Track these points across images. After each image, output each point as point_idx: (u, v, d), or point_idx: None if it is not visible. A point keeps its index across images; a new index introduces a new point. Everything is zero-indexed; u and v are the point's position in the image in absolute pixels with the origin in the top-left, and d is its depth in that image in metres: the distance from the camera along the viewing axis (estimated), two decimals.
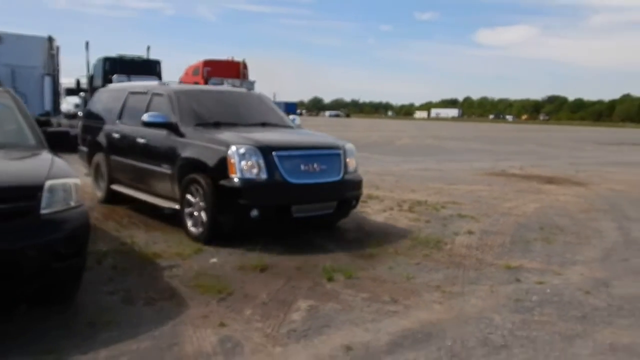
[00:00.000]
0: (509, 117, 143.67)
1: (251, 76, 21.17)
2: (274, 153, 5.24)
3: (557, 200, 8.66)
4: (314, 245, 5.45)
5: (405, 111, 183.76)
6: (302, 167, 5.36)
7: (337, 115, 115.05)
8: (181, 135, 5.75)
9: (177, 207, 5.72)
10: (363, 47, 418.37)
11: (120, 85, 8.13)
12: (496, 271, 4.74)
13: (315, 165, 5.43)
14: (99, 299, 3.82)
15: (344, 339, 3.28)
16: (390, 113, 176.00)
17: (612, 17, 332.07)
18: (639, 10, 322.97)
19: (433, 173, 12.35)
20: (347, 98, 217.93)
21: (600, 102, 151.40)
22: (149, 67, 17.79)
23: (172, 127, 5.84)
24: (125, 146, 6.71)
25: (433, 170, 13.07)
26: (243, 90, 7.47)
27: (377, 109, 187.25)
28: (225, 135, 5.53)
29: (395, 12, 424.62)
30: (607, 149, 24.69)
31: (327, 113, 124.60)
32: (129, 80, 16.98)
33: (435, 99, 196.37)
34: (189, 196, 5.50)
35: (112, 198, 7.10)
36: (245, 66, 20.59)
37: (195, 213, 5.43)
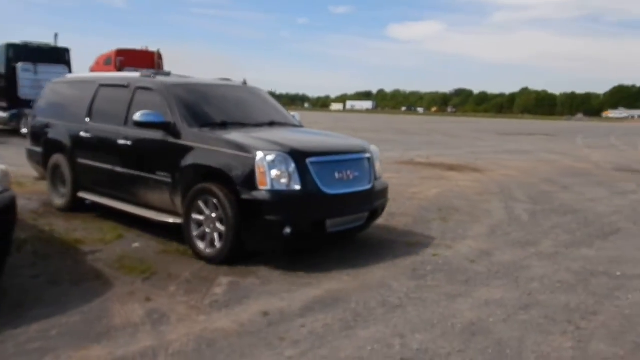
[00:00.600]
0: (420, 110, 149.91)
1: (166, 67, 20.84)
2: (307, 160, 4.58)
3: (457, 186, 9.50)
4: None
5: (322, 103, 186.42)
6: (337, 175, 4.75)
7: None
8: (183, 137, 4.93)
9: (177, 221, 4.93)
10: (279, 39, 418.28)
11: (85, 77, 6.97)
12: (398, 247, 5.31)
13: (349, 172, 4.85)
14: (23, 282, 3.96)
15: (261, 306, 3.67)
16: (307, 105, 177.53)
17: (512, 14, 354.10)
18: (537, 9, 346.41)
19: None
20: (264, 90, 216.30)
21: (501, 95, 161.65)
22: (57, 56, 17.07)
23: (169, 128, 5.01)
24: (99, 149, 5.83)
25: None
26: (239, 83, 6.47)
27: (294, 101, 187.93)
28: (243, 138, 4.80)
29: (310, 5, 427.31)
30: (505, 138, 26.69)
31: None
32: (35, 69, 16.38)
33: (351, 91, 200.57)
34: (198, 209, 4.70)
35: (76, 206, 6.20)
36: (160, 56, 20.18)
37: (207, 229, 4.66)
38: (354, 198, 4.87)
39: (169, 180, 4.98)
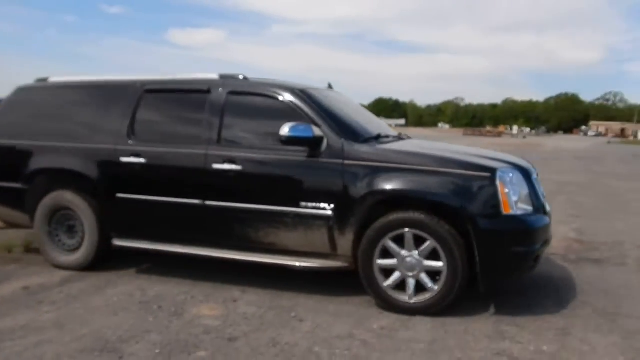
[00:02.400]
0: None
1: None
2: (532, 177, 4.05)
3: None
4: None
5: None
6: (543, 194, 4.18)
7: None
8: (348, 155, 3.86)
9: (340, 264, 3.95)
10: (44, 38, 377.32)
11: (105, 80, 4.84)
12: None
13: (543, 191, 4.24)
14: None
15: (22, 284, 4.28)
16: None
17: (289, 28, 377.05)
18: (310, 24, 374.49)
19: None
20: None
21: None
22: None
23: (318, 145, 3.92)
24: (167, 179, 4.37)
25: None
26: (330, 89, 5.10)
27: None
28: (450, 153, 4.08)
29: (79, 2, 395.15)
30: None
31: None
32: None
33: None
34: (386, 250, 3.78)
35: (101, 259, 4.69)
36: None
37: (408, 273, 3.75)
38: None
39: (327, 213, 3.87)
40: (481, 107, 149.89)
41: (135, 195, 4.41)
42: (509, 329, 3.50)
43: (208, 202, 4.16)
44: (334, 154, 3.89)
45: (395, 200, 3.78)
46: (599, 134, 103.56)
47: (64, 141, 4.66)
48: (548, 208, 4.05)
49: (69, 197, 4.63)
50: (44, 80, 5.07)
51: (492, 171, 3.66)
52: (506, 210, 3.58)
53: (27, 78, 6.31)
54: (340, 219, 3.83)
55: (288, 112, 4.06)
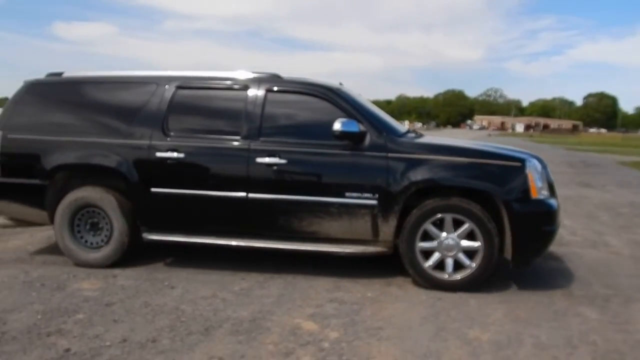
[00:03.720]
0: None
1: None
2: (546, 167, 4.53)
3: None
4: None
5: None
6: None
7: None
8: (391, 149, 4.24)
9: (380, 249, 4.30)
10: None
11: (129, 76, 4.87)
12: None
13: None
14: None
15: None
16: None
17: (181, 23, 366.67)
18: (203, 20, 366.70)
19: None
20: None
21: None
22: None
23: (360, 139, 4.25)
24: (207, 173, 4.50)
25: None
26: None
27: None
28: (481, 146, 4.61)
29: None
30: None
31: None
32: None
33: (3, 94, 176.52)
34: (426, 233, 4.21)
35: (129, 254, 4.73)
36: None
37: (447, 254, 4.18)
38: None
39: (372, 202, 4.20)
40: (376, 103, 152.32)
41: (171, 190, 4.50)
42: (345, 284, 4.33)
43: (251, 195, 4.36)
44: (378, 147, 4.23)
45: (436, 188, 4.18)
46: (482, 127, 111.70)
47: (90, 136, 4.63)
48: None
49: (97, 194, 4.62)
50: (58, 74, 5.03)
51: (522, 161, 4.17)
52: (534, 195, 4.08)
53: None
54: (384, 207, 4.16)
55: (327, 109, 4.35)
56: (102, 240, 4.72)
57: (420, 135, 5.00)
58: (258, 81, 4.58)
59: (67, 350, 3.04)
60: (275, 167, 4.33)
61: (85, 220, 4.75)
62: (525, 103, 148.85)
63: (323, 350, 3.10)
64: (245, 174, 4.38)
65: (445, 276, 4.21)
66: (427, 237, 4.23)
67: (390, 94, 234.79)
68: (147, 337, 3.24)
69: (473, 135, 56.48)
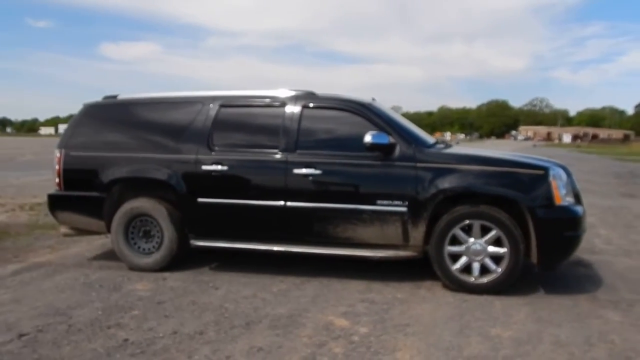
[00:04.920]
0: None
1: None
2: (570, 175, 4.75)
3: None
4: None
5: (29, 127, 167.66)
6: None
7: None
8: (419, 159, 4.50)
9: (410, 254, 4.57)
10: None
11: (178, 96, 5.33)
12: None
13: None
14: None
15: None
16: (9, 130, 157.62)
17: (224, 40, 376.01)
18: (246, 36, 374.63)
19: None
20: None
21: None
22: None
23: (391, 150, 4.55)
24: (249, 184, 4.88)
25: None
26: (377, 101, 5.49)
27: None
28: (500, 155, 4.84)
29: (2, 16, 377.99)
30: None
31: None
32: None
33: (63, 113, 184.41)
34: (454, 239, 4.45)
35: (178, 259, 5.16)
36: None
37: (474, 258, 4.41)
38: None
39: (402, 209, 4.47)
40: (418, 115, 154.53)
41: (216, 200, 4.88)
42: (377, 286, 4.60)
43: (289, 203, 4.70)
44: (407, 157, 4.50)
45: (464, 195, 4.42)
46: (527, 138, 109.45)
47: (144, 152, 5.09)
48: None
49: (149, 204, 5.06)
50: (113, 97, 5.57)
51: (546, 169, 4.36)
52: (558, 201, 4.26)
53: None
54: (413, 214, 4.41)
55: (359, 123, 4.66)
56: (153, 247, 5.15)
57: (449, 146, 5.24)
58: (295, 98, 4.93)
59: (126, 340, 3.44)
60: (310, 178, 4.65)
61: (138, 228, 5.20)
62: (572, 113, 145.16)
63: (353, 343, 3.39)
64: (283, 184, 4.71)
65: (472, 279, 4.41)
66: (455, 241, 4.45)
67: (432, 106, 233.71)
68: (195, 330, 3.60)
69: (517, 146, 55.50)
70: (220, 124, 5.02)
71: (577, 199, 4.61)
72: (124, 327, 3.65)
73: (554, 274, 4.94)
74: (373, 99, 5.33)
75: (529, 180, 4.35)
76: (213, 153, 4.94)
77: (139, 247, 5.21)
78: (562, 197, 4.33)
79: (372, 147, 4.49)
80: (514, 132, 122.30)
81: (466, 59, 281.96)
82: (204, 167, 4.92)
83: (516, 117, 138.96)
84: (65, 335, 3.52)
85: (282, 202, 4.71)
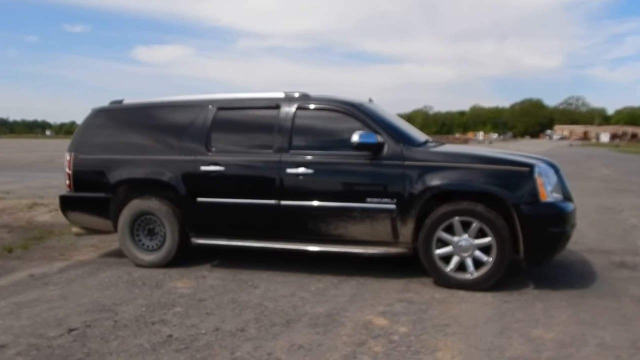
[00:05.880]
0: None
1: None
2: (559, 172, 4.80)
3: None
4: None
5: (67, 130, 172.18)
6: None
7: None
8: (407, 157, 4.58)
9: (401, 250, 4.65)
10: (4, 59, 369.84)
11: (179, 100, 5.54)
12: None
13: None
14: None
15: (28, 272, 5.19)
16: (48, 132, 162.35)
17: (254, 42, 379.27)
18: (275, 38, 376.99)
19: None
20: None
21: None
22: None
23: (379, 149, 4.63)
24: (244, 183, 5.05)
25: None
26: (372, 102, 5.60)
27: (32, 129, 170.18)
28: (492, 152, 5.04)
29: (41, 22, 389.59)
30: None
31: None
32: None
33: None
34: (442, 235, 4.49)
35: (178, 258, 5.32)
36: None
37: (462, 254, 4.45)
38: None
39: (391, 206, 4.55)
40: (450, 115, 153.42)
41: (214, 199, 5.06)
42: (414, 286, 4.60)
43: (283, 202, 4.83)
44: (395, 156, 4.58)
45: (449, 193, 4.48)
46: (563, 137, 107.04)
47: (147, 154, 5.31)
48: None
49: (152, 204, 5.27)
50: (119, 102, 5.81)
51: (531, 166, 4.41)
52: (543, 198, 4.31)
53: None
54: (402, 211, 4.51)
55: (350, 123, 4.75)
56: (156, 245, 5.37)
57: (441, 144, 5.33)
58: (289, 100, 5.05)
59: (170, 336, 3.53)
60: (303, 177, 4.78)
61: (143, 227, 5.42)
62: (610, 111, 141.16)
63: (393, 342, 3.39)
64: (277, 183, 4.86)
65: (468, 276, 4.46)
66: (442, 243, 4.52)
67: (464, 105, 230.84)
68: (236, 327, 3.67)
69: (552, 145, 54.44)
70: (218, 126, 5.18)
71: (566, 195, 4.63)
72: (167, 324, 3.75)
73: (597, 275, 4.86)
74: (370, 100, 5.48)
75: (514, 177, 4.40)
76: (210, 154, 5.11)
77: (143, 245, 5.42)
78: (547, 193, 4.36)
79: (360, 146, 4.58)
80: (549, 132, 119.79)
81: (497, 58, 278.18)
82: (203, 168, 5.09)
83: (551, 116, 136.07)
84: (112, 330, 3.63)
85: (276, 201, 4.86)
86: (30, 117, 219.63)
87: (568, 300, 4.22)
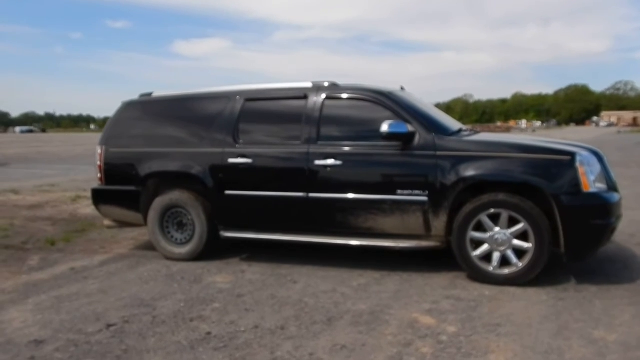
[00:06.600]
0: None
1: None
2: (604, 160, 4.55)
3: None
4: (34, 228, 7.02)
5: None
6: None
7: (30, 131, 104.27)
8: (435, 148, 4.38)
9: (433, 244, 4.47)
10: (51, 56, 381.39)
11: (208, 92, 5.46)
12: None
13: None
14: None
15: (69, 266, 5.21)
16: (93, 127, 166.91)
17: (291, 34, 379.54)
18: (313, 29, 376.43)
19: None
20: (40, 111, 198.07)
21: None
22: None
23: (410, 139, 4.44)
24: (272, 176, 4.94)
25: None
26: (404, 90, 5.43)
27: (78, 123, 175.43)
28: (528, 141, 4.74)
29: (84, 19, 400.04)
30: None
31: (18, 129, 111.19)
32: None
33: None
34: (478, 227, 4.29)
35: (208, 251, 5.26)
36: None
37: (498, 247, 4.23)
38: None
39: (423, 198, 4.38)
40: (490, 103, 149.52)
41: (242, 192, 4.98)
42: (462, 282, 4.36)
43: (311, 195, 4.72)
44: (427, 146, 4.39)
45: (487, 183, 4.26)
46: (611, 124, 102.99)
47: (175, 147, 5.25)
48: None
49: (181, 196, 5.22)
50: (149, 95, 5.75)
51: (572, 155, 4.13)
52: (585, 188, 4.04)
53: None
54: (434, 203, 4.32)
55: (380, 112, 4.56)
56: (186, 238, 5.31)
57: (475, 133, 5.10)
58: (317, 90, 4.91)
59: (209, 333, 3.42)
60: (331, 169, 4.64)
61: (172, 220, 5.38)
62: None
63: (441, 342, 3.19)
64: (305, 175, 4.72)
65: (490, 269, 4.26)
66: (480, 228, 4.30)
67: (506, 93, 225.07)
68: (276, 324, 3.54)
69: (599, 132, 52.46)
70: (246, 118, 5.09)
71: (612, 186, 4.35)
72: (206, 320, 3.65)
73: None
74: (402, 88, 5.29)
75: (554, 166, 4.13)
76: (238, 146, 5.02)
77: (173, 238, 5.38)
78: (590, 183, 4.08)
79: (389, 136, 4.41)
80: (595, 118, 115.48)
81: (541, 43, 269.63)
82: (230, 160, 5.00)
83: (597, 103, 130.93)
84: (150, 326, 3.56)
85: (304, 194, 4.73)
86: (75, 112, 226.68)
87: (630, 298, 3.91)
